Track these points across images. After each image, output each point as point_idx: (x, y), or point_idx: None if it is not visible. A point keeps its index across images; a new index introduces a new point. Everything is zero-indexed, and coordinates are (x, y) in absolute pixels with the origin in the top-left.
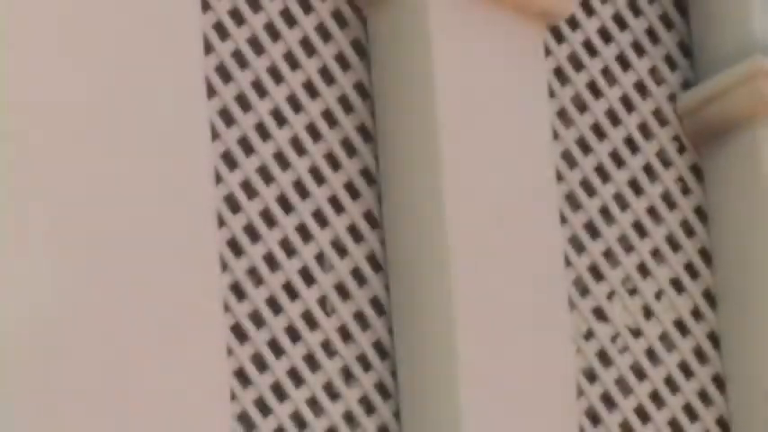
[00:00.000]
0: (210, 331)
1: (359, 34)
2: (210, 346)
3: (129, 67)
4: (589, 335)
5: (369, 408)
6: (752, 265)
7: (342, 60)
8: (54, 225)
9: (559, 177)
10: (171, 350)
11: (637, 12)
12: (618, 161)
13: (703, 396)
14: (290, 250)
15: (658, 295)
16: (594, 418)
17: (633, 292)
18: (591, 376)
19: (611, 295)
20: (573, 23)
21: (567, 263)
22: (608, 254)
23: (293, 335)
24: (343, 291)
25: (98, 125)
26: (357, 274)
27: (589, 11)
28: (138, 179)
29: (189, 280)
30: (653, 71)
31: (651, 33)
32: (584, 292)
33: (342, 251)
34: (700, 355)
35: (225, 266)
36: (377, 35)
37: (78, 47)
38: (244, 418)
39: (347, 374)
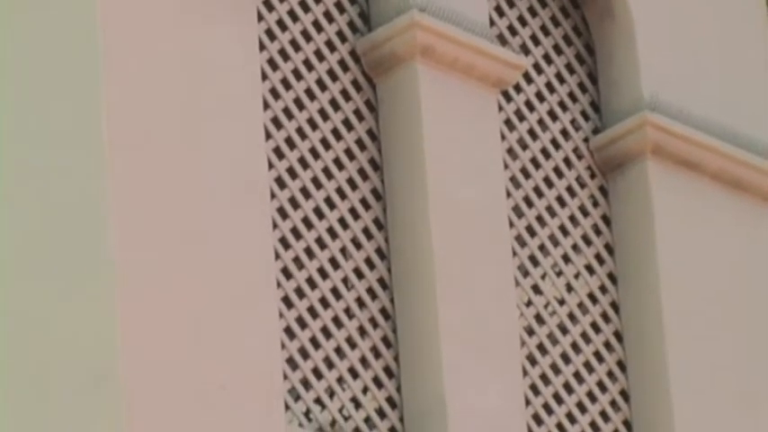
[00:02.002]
0: (267, 301)
1: (370, 96)
2: (267, 312)
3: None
4: (529, 303)
5: (377, 354)
6: (642, 255)
7: (358, 114)
8: (149, 226)
9: (508, 194)
10: (240, 315)
11: (561, 81)
12: (549, 184)
13: (608, 346)
14: (322, 245)
15: (576, 276)
16: (532, 360)
17: (559, 273)
18: (530, 331)
19: (543, 276)
20: (517, 88)
21: (514, 253)
22: (542, 247)
23: (324, 303)
24: (359, 273)
25: (184, 166)
26: (369, 262)
27: (528, 80)
28: (219, 198)
29: (252, 265)
30: (573, 121)
31: (572, 96)
32: (525, 273)
33: (358, 246)
34: (605, 317)
35: (277, 256)
36: (383, 96)
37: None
38: (291, 361)
39: (362, 331)
